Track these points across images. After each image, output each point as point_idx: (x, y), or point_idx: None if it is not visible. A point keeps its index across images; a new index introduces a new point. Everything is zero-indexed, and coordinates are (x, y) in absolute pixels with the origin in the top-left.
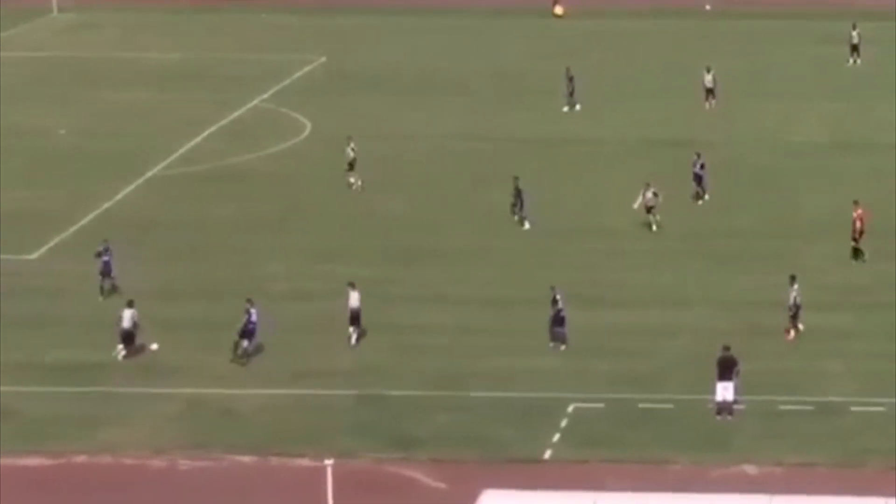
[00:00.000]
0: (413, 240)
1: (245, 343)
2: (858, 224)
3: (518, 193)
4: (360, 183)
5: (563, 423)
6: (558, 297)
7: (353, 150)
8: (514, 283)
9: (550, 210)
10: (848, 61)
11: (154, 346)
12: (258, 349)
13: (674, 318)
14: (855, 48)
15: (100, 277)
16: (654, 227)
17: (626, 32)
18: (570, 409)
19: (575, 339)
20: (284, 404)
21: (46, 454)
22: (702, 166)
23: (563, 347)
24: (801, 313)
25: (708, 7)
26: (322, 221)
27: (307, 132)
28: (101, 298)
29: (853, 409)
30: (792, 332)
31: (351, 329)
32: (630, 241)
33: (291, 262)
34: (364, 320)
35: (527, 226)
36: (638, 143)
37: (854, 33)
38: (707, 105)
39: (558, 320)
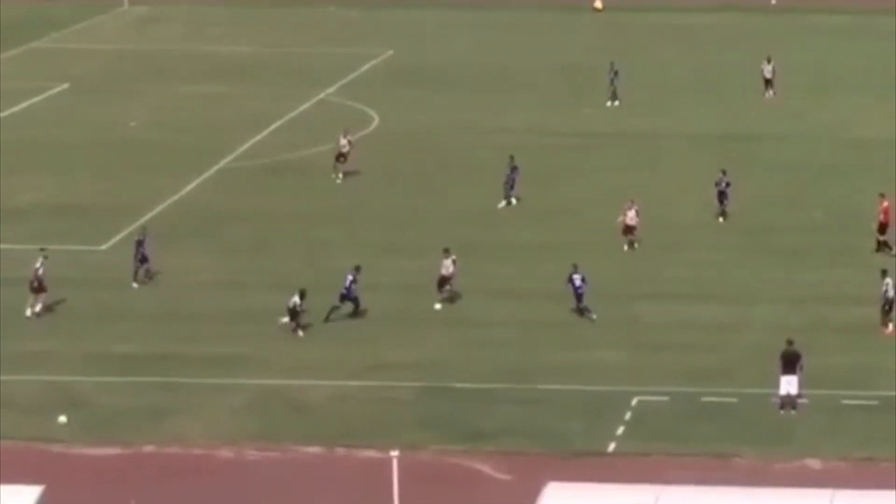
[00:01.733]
0: (478, 233)
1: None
2: (882, 217)
3: (512, 171)
4: (341, 177)
5: (628, 416)
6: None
7: (349, 142)
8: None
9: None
10: None
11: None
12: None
13: (739, 313)
14: None
15: (137, 264)
16: (627, 248)
17: (686, 27)
18: (634, 402)
19: (639, 334)
20: (352, 396)
21: (116, 444)
22: (727, 184)
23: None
24: None
25: (773, 1)
26: (389, 214)
27: (374, 125)
28: (134, 285)
29: None
30: (890, 327)
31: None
32: (697, 236)
33: (359, 254)
34: (429, 315)
35: (504, 204)
36: (698, 137)
37: None
38: (767, 95)
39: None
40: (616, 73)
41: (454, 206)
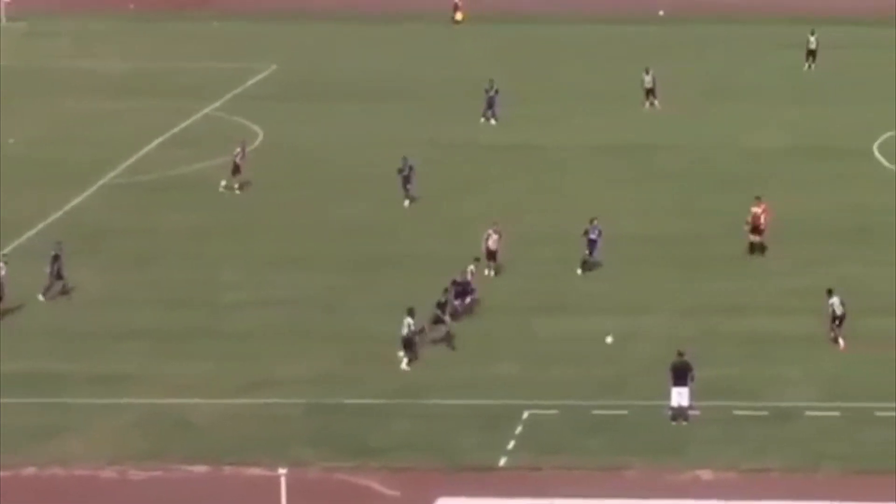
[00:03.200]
0: (369, 247)
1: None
2: (756, 220)
3: (408, 170)
4: (236, 187)
5: (519, 429)
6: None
7: (241, 153)
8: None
9: (509, 216)
10: (805, 66)
11: None
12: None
13: (632, 325)
14: (811, 53)
15: (52, 279)
16: (490, 273)
17: (575, 37)
18: (526, 415)
19: (531, 347)
20: (240, 413)
21: None
22: (599, 233)
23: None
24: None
25: (661, 13)
26: (277, 229)
27: (260, 140)
28: (41, 297)
29: (808, 413)
30: (842, 342)
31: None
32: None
33: (247, 269)
34: (319, 330)
35: (406, 203)
36: (590, 148)
37: (812, 38)
38: (647, 106)
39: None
40: (496, 91)
41: (342, 220)
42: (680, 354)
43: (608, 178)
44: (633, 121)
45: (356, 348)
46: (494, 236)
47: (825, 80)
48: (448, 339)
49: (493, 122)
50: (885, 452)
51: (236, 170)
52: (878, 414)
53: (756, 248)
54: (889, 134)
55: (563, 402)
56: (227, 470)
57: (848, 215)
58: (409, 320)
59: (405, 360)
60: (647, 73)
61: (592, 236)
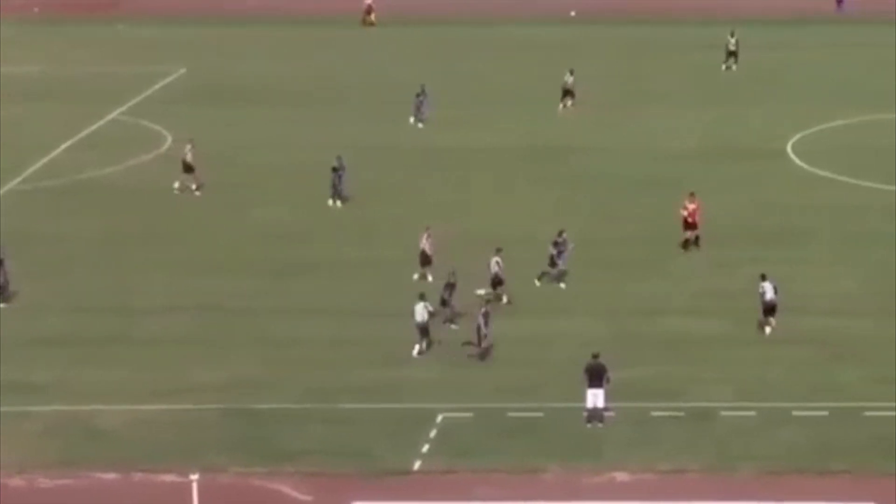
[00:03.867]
0: (283, 252)
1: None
2: (689, 216)
3: (338, 170)
4: (193, 187)
5: (433, 433)
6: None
7: (190, 152)
8: (384, 295)
9: (427, 219)
10: (723, 67)
11: None
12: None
13: (549, 327)
14: (732, 54)
15: None
16: (429, 277)
17: (488, 39)
18: (440, 419)
19: (445, 350)
20: (152, 420)
21: None
22: (562, 243)
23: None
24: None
25: (573, 13)
26: (190, 234)
27: (168, 144)
28: None
29: (724, 414)
30: (768, 329)
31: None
32: (508, 250)
33: (160, 275)
34: (233, 335)
35: (339, 204)
36: (509, 150)
37: (732, 39)
38: (563, 106)
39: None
40: (425, 95)
41: (256, 225)
42: (595, 356)
43: (526, 180)
44: (549, 123)
45: (270, 353)
46: (428, 240)
47: (741, 80)
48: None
49: (420, 125)
50: (802, 452)
51: (188, 169)
52: (795, 413)
53: (691, 243)
54: (803, 133)
55: (477, 405)
56: (138, 477)
57: (763, 216)
58: (421, 306)
59: (417, 348)
60: (571, 74)
61: (555, 251)
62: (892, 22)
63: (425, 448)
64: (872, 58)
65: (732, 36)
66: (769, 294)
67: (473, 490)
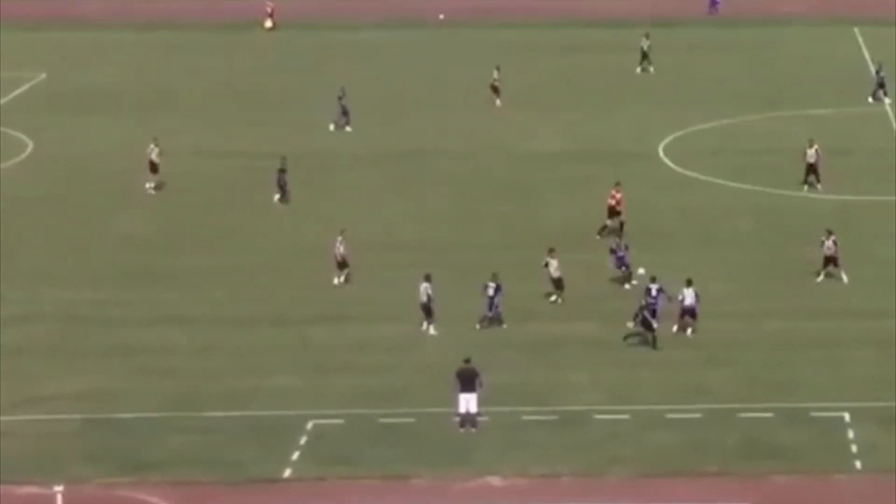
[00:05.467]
0: (146, 260)
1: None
2: (615, 203)
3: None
4: (153, 185)
5: (303, 440)
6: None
7: (154, 151)
8: (250, 302)
9: (293, 226)
10: (638, 70)
11: None
12: None
13: (417, 333)
14: (645, 56)
15: None
16: (341, 280)
17: (357, 43)
18: (310, 426)
19: (314, 357)
20: (9, 432)
21: None
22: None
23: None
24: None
25: (441, 17)
26: (47, 243)
27: (28, 151)
28: None
29: (597, 417)
30: (689, 331)
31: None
32: (372, 255)
33: (15, 285)
34: (91, 345)
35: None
36: (372, 155)
37: (646, 42)
38: (496, 103)
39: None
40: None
41: (116, 233)
42: (466, 361)
43: (383, 185)
44: (409, 128)
45: (131, 362)
46: (342, 244)
47: (613, 83)
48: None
49: (348, 128)
50: (675, 454)
51: (154, 168)
52: (669, 416)
53: (611, 231)
54: (674, 135)
55: (348, 412)
56: (2, 489)
57: (631, 218)
58: (425, 285)
59: (429, 326)
60: (497, 70)
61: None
62: (764, 24)
63: (295, 455)
64: (744, 60)
65: (647, 38)
66: (688, 300)
67: (344, 497)
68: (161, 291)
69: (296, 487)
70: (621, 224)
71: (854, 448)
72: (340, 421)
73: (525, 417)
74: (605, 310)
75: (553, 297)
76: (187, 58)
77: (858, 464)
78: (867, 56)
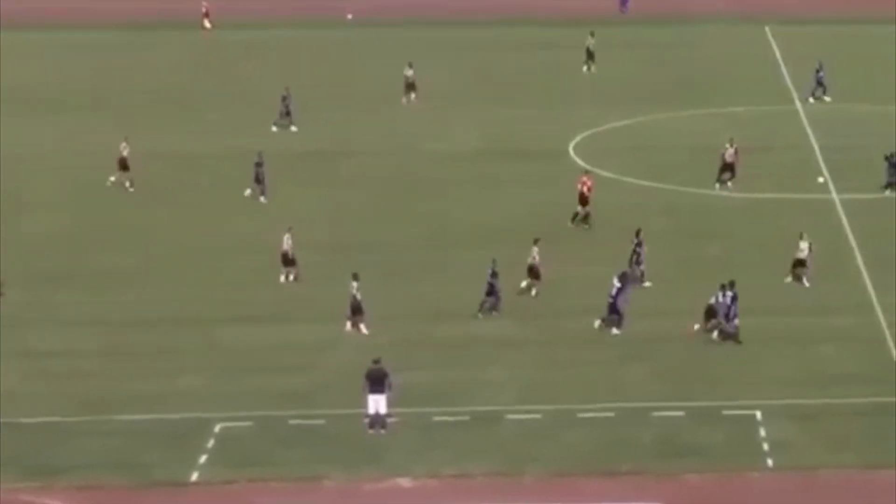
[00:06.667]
0: (57, 261)
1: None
2: (585, 190)
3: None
4: (127, 184)
5: (211, 443)
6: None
7: (125, 149)
8: (161, 303)
9: (208, 227)
10: (584, 69)
11: None
12: None
13: (328, 333)
14: (590, 55)
15: None
16: (290, 278)
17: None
18: (218, 428)
19: (223, 359)
20: None
21: None
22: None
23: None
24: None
25: (349, 16)
26: None
27: None
28: None
29: (510, 417)
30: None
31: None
32: (276, 257)
33: None
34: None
35: (262, 199)
36: (288, 155)
37: (591, 40)
38: (405, 100)
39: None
40: (285, 98)
41: (26, 234)
42: (375, 361)
43: (299, 184)
44: (325, 127)
45: (35, 365)
46: (289, 241)
47: (527, 81)
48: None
49: (293, 128)
50: (589, 453)
51: (124, 166)
52: (581, 415)
53: (582, 218)
54: (585, 134)
55: (257, 414)
56: None
57: (542, 216)
58: (355, 284)
59: (360, 325)
60: (410, 67)
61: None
62: (674, 23)
63: (203, 458)
64: (656, 58)
65: (592, 36)
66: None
67: (253, 500)
68: (71, 293)
69: (203, 490)
70: (586, 214)
71: (766, 446)
72: (249, 423)
73: (437, 418)
74: (518, 308)
75: (524, 284)
76: (115, 58)
77: (770, 461)
78: (778, 54)
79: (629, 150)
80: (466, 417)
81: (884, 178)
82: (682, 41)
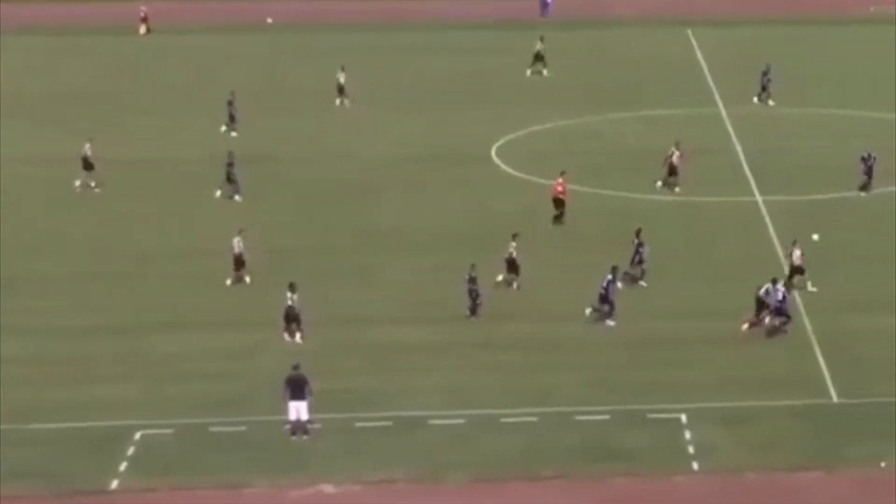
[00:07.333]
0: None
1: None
2: (559, 192)
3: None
4: (92, 184)
5: (131, 451)
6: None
7: (90, 149)
8: (87, 312)
9: (121, 232)
10: (528, 72)
11: None
12: None
13: (253, 340)
14: (539, 58)
15: None
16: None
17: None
18: (138, 436)
19: (146, 366)
20: None
21: None
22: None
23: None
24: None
25: (269, 20)
26: None
27: None
28: None
29: (432, 422)
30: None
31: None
32: (217, 262)
33: None
34: None
35: (237, 197)
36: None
37: (540, 45)
38: (338, 102)
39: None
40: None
41: None
42: (295, 367)
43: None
44: (255, 132)
45: None
46: (240, 244)
47: (453, 85)
48: None
49: (233, 133)
50: (512, 458)
51: (88, 166)
52: (503, 420)
53: (558, 219)
54: (507, 138)
55: (178, 421)
56: None
57: (466, 220)
58: (291, 295)
59: (297, 334)
60: (343, 70)
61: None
62: (597, 26)
63: (123, 466)
64: (579, 61)
65: (542, 41)
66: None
67: None
68: (4, 300)
69: (123, 499)
70: (560, 214)
71: (691, 449)
72: (170, 431)
73: (360, 424)
74: (442, 315)
75: (500, 278)
76: (48, 63)
77: (696, 464)
78: (700, 57)
79: (547, 154)
80: (390, 423)
81: (858, 180)
82: (604, 44)
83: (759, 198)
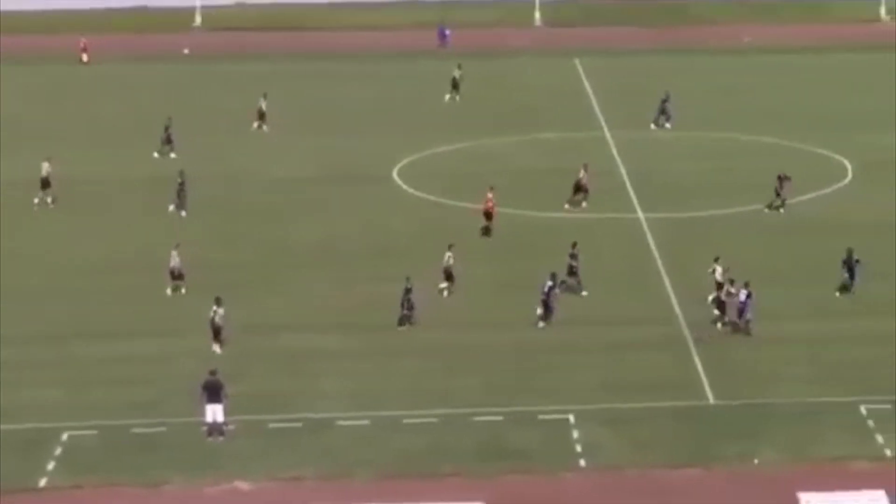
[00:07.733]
0: None
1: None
2: (489, 206)
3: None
4: (49, 200)
5: (58, 451)
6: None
7: (47, 169)
8: (25, 322)
9: (88, 247)
10: (446, 97)
11: None
12: None
13: (170, 347)
14: (455, 85)
15: None
16: (183, 290)
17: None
18: (65, 437)
19: (72, 371)
20: None
21: None
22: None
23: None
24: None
25: (186, 51)
26: None
27: None
28: None
29: (340, 423)
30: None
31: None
32: (136, 276)
33: None
34: None
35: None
36: (130, 181)
37: (458, 72)
38: (256, 125)
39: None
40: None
41: None
42: (212, 373)
43: (147, 209)
44: (184, 154)
45: None
46: (178, 257)
47: (358, 109)
48: None
49: (172, 155)
50: (414, 456)
51: (45, 185)
52: (406, 421)
53: (487, 231)
54: (409, 159)
55: (102, 423)
56: None
57: (370, 237)
58: (218, 310)
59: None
60: (265, 98)
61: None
62: (492, 56)
63: (51, 466)
64: (476, 89)
65: (459, 68)
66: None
67: (99, 503)
68: None
69: (52, 496)
70: (488, 228)
71: (579, 447)
72: (95, 432)
73: (272, 425)
74: (350, 322)
75: (442, 286)
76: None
77: (583, 462)
78: (587, 84)
79: (446, 175)
80: (300, 424)
81: (770, 196)
82: (499, 73)
83: (640, 215)
